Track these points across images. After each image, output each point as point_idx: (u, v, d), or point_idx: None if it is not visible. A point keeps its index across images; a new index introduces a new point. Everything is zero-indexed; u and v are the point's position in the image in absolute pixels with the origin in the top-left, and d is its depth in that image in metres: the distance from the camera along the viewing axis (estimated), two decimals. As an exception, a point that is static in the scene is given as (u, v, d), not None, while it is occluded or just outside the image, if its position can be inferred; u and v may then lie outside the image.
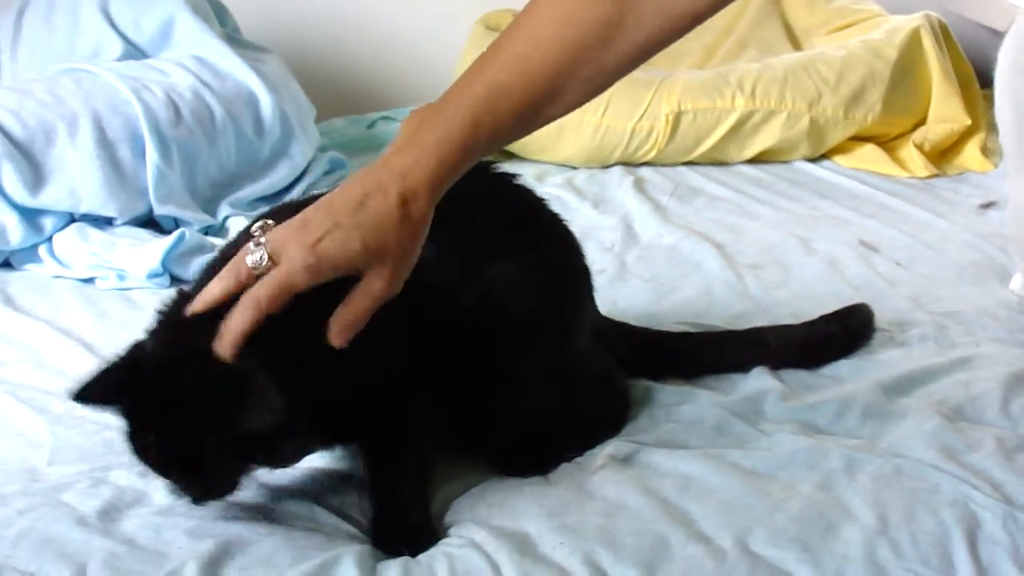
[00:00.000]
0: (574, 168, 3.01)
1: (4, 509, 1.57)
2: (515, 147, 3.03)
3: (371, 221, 1.42)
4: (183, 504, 1.54)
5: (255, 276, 1.43)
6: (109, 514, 1.56)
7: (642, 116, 2.96)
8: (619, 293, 2.23)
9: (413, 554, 1.51)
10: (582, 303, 1.80)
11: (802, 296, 2.22)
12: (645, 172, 2.95)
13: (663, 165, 2.99)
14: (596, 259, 2.38)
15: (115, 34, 2.82)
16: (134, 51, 2.83)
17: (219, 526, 1.55)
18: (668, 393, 1.83)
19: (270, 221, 1.48)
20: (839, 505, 1.55)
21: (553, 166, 3.03)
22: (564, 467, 1.67)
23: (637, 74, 2.95)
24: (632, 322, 2.03)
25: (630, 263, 2.41)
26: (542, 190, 2.74)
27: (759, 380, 1.85)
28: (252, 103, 2.74)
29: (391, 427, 1.59)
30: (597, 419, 1.75)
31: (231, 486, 1.50)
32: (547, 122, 1.53)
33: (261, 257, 1.43)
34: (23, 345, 2.07)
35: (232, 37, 2.96)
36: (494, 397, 1.67)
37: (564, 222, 1.85)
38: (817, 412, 1.77)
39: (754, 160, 3.02)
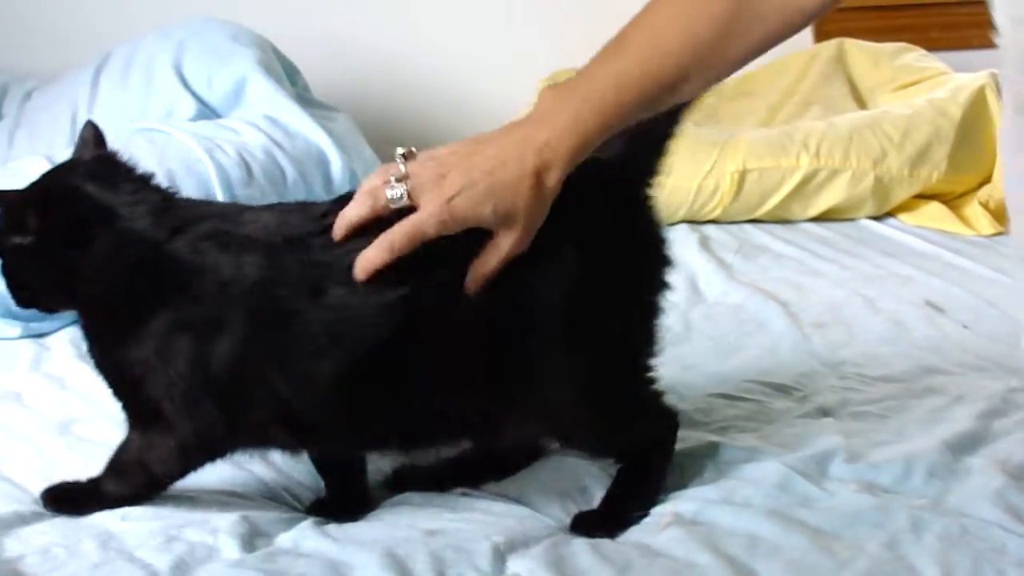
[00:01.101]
0: (640, 226, 3.03)
1: (78, 562, 1.59)
2: (581, 205, 3.05)
3: (504, 188, 1.54)
4: (255, 558, 1.57)
5: (390, 209, 1.56)
6: (181, 569, 1.58)
7: (707, 174, 2.99)
8: (684, 351, 2.23)
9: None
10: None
11: (868, 355, 2.21)
12: (710, 230, 2.97)
13: (728, 223, 3.02)
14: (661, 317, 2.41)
15: (188, 94, 2.88)
16: (207, 110, 2.88)
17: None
18: (732, 449, 1.82)
19: (414, 149, 1.60)
20: (905, 565, 1.55)
21: (619, 224, 3.05)
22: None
23: (703, 132, 3.00)
24: (699, 381, 2.04)
25: (695, 321, 2.42)
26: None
27: (824, 437, 1.85)
28: (322, 162, 2.79)
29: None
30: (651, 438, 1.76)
31: None
32: (672, 105, 1.66)
33: (400, 195, 1.56)
34: (96, 401, 2.09)
35: (302, 97, 3.01)
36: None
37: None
38: (882, 471, 1.76)
39: (819, 218, 3.04)
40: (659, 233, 1.76)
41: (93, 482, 1.72)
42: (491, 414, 1.67)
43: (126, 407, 1.71)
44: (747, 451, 1.81)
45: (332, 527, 1.67)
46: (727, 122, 3.44)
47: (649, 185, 1.77)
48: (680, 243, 2.80)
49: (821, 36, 3.76)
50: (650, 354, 1.75)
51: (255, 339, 1.60)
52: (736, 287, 2.58)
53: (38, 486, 1.76)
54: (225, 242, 1.63)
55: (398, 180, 1.56)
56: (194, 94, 2.88)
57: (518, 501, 1.74)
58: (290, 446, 1.74)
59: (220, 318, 1.61)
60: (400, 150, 1.59)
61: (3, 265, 1.71)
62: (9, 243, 1.68)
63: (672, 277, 2.55)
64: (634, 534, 1.64)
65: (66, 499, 1.71)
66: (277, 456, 1.83)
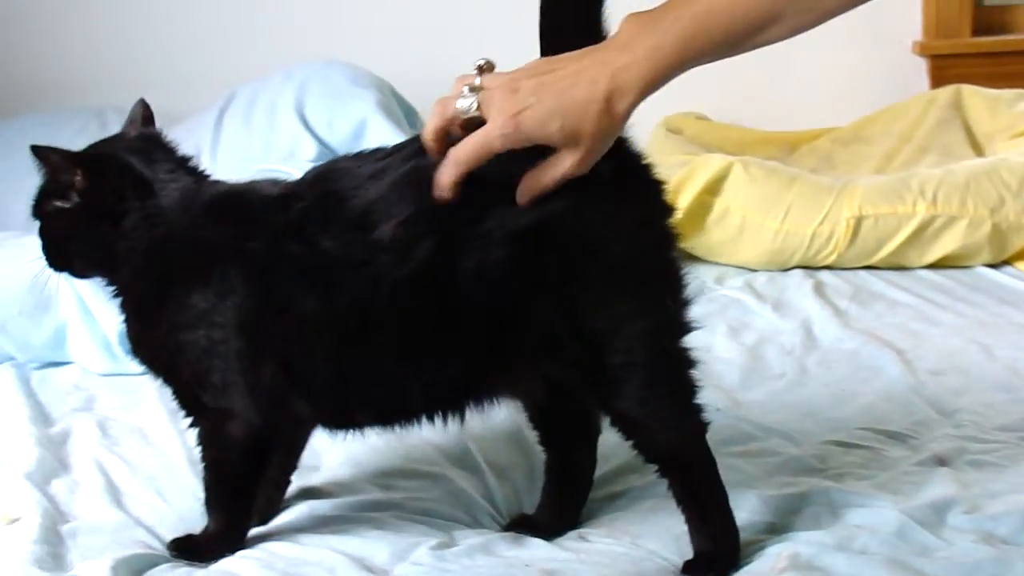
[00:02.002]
0: (753, 271, 3.04)
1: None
2: (695, 250, 3.07)
3: (573, 107, 1.52)
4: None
5: (459, 118, 1.57)
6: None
7: (823, 220, 2.98)
8: (800, 397, 2.24)
9: None
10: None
11: (984, 404, 2.20)
12: (825, 276, 2.97)
13: (843, 269, 3.01)
14: (776, 363, 2.42)
15: (310, 136, 2.93)
16: (327, 152, 2.93)
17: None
18: (848, 495, 1.82)
19: (492, 61, 1.60)
20: (1025, 616, 1.55)
21: (732, 268, 3.07)
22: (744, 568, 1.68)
23: (819, 179, 3.00)
24: (814, 427, 2.05)
25: (810, 367, 2.42)
26: (721, 292, 2.81)
27: (941, 486, 1.84)
28: (439, 202, 2.82)
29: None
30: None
31: None
32: (754, 48, 1.57)
33: (470, 105, 1.56)
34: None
35: (421, 139, 3.05)
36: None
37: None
38: (1000, 522, 1.75)
39: (935, 265, 3.03)
40: (659, 181, 1.69)
41: (208, 525, 1.76)
42: (527, 374, 1.68)
43: (178, 389, 1.74)
44: (863, 498, 1.80)
45: (453, 563, 1.68)
46: (843, 168, 3.44)
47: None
48: (795, 289, 2.84)
49: (938, 82, 3.76)
50: (687, 328, 1.70)
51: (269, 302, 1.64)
52: (851, 334, 2.58)
53: (163, 527, 1.82)
54: (247, 215, 1.69)
55: (471, 90, 1.57)
56: (315, 135, 2.94)
57: (634, 542, 1.75)
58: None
59: (238, 281, 1.65)
60: (479, 61, 1.60)
61: (41, 228, 1.75)
62: (50, 206, 1.72)
63: (787, 322, 2.60)
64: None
65: (192, 548, 1.74)
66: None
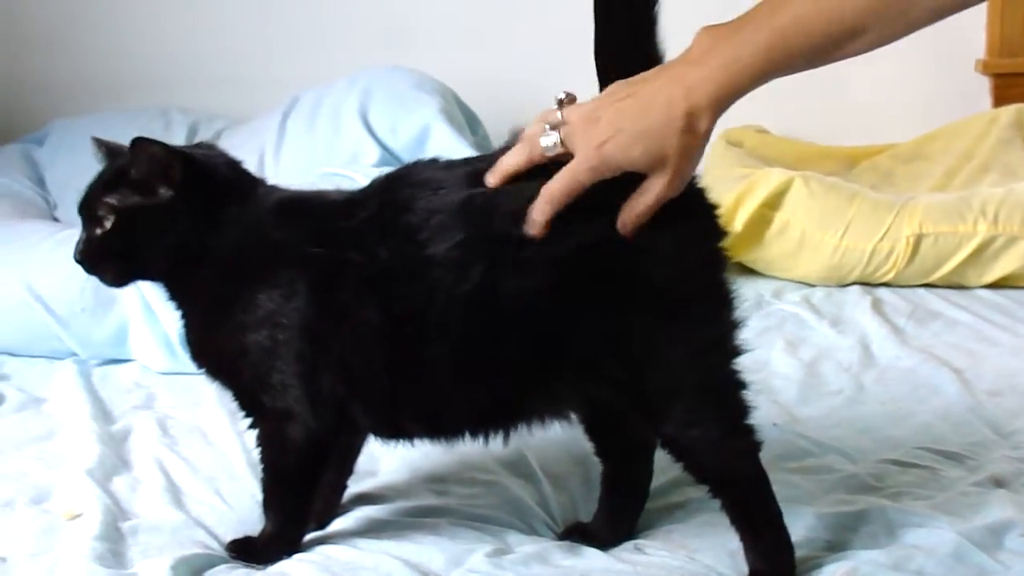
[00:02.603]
0: (811, 286, 3.03)
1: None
2: (753, 263, 3.08)
3: (654, 130, 1.53)
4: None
5: (545, 156, 1.58)
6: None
7: (883, 237, 2.98)
8: (857, 414, 2.24)
9: None
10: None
11: (1043, 425, 2.20)
12: (883, 293, 2.97)
13: (901, 286, 3.00)
14: (834, 379, 2.42)
15: (373, 140, 2.95)
16: (389, 157, 2.94)
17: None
18: (904, 514, 1.81)
19: (573, 94, 1.60)
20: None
21: (790, 283, 3.06)
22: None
23: (879, 195, 3.00)
24: (870, 445, 2.04)
25: (867, 384, 2.42)
26: (778, 307, 2.81)
27: (998, 508, 1.83)
28: (500, 211, 2.83)
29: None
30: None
31: None
32: (831, 62, 1.56)
33: (554, 143, 1.57)
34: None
35: (482, 146, 3.06)
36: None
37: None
38: (1058, 545, 1.75)
39: (994, 285, 3.01)
40: (710, 204, 1.68)
41: (264, 528, 1.77)
42: (586, 391, 1.68)
43: (238, 391, 1.75)
44: (920, 518, 1.80)
45: (509, 571, 1.69)
46: (902, 185, 3.43)
47: None
48: (853, 305, 2.84)
49: (1000, 101, 3.74)
50: (737, 351, 1.69)
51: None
52: (909, 352, 2.57)
53: (222, 528, 1.84)
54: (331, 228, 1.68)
55: (552, 128, 1.57)
56: (378, 140, 2.95)
57: (690, 556, 1.75)
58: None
59: (304, 284, 1.66)
60: (559, 95, 1.60)
61: (113, 225, 1.69)
62: (130, 201, 1.69)
63: (845, 339, 2.60)
64: (805, 592, 1.65)
65: (250, 550, 1.75)
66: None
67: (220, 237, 1.70)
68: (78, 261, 1.73)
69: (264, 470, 1.76)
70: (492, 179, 1.61)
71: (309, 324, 1.66)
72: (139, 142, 1.68)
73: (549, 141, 1.57)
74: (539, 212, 1.57)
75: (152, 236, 1.71)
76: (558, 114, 1.58)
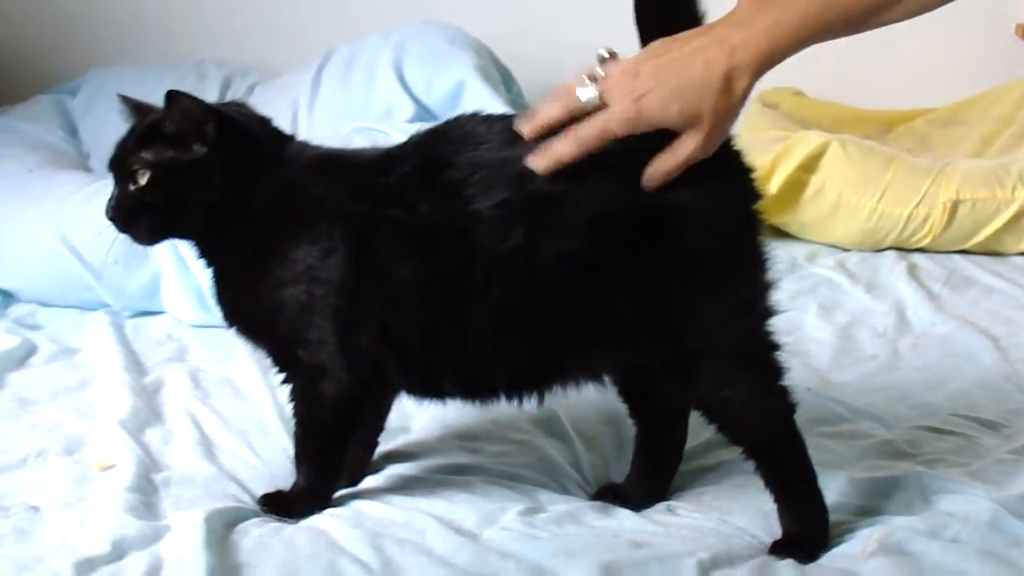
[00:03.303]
0: (846, 250, 3.02)
1: (292, 553, 1.64)
2: (787, 226, 3.06)
3: (693, 88, 1.52)
4: (463, 555, 1.62)
5: (583, 109, 1.57)
6: (390, 566, 1.62)
7: (919, 203, 2.95)
8: (891, 380, 2.23)
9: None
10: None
11: (1079, 393, 2.18)
12: (918, 258, 2.95)
13: (936, 252, 2.98)
14: (868, 344, 2.41)
15: (407, 96, 2.93)
16: (424, 113, 2.93)
17: None
18: (940, 480, 1.81)
19: (615, 50, 1.58)
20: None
21: (824, 247, 3.04)
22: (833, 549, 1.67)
23: (916, 160, 2.97)
24: (905, 411, 2.03)
25: (902, 351, 2.40)
26: (812, 270, 2.79)
27: (1037, 477, 1.83)
28: (534, 168, 2.82)
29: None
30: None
31: None
32: (871, 28, 1.57)
33: (592, 96, 1.56)
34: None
35: (516, 103, 3.05)
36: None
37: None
38: (1096, 515, 1.73)
39: (1030, 252, 2.99)
40: (746, 167, 1.67)
41: (296, 483, 1.77)
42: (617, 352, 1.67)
43: (273, 347, 1.75)
44: (955, 485, 1.79)
45: (542, 530, 1.69)
46: (939, 150, 3.40)
47: None
48: (887, 270, 2.82)
49: (1039, 67, 3.71)
50: (770, 313, 1.68)
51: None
52: (944, 318, 2.56)
53: (254, 481, 1.84)
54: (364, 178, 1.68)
55: (592, 80, 1.57)
56: (413, 96, 2.94)
57: (723, 518, 1.74)
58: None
59: (341, 240, 1.65)
60: (601, 51, 1.59)
61: (149, 180, 1.67)
62: (164, 155, 1.67)
63: (880, 304, 2.58)
64: (839, 560, 1.64)
65: (282, 504, 1.75)
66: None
67: (254, 194, 1.69)
68: (110, 219, 1.70)
69: (297, 425, 1.76)
70: (527, 129, 1.60)
71: (347, 280, 1.65)
72: (174, 96, 1.66)
73: (587, 94, 1.57)
74: (562, 152, 1.57)
75: (187, 192, 1.68)
76: (598, 69, 1.57)
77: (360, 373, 1.69)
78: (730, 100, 1.53)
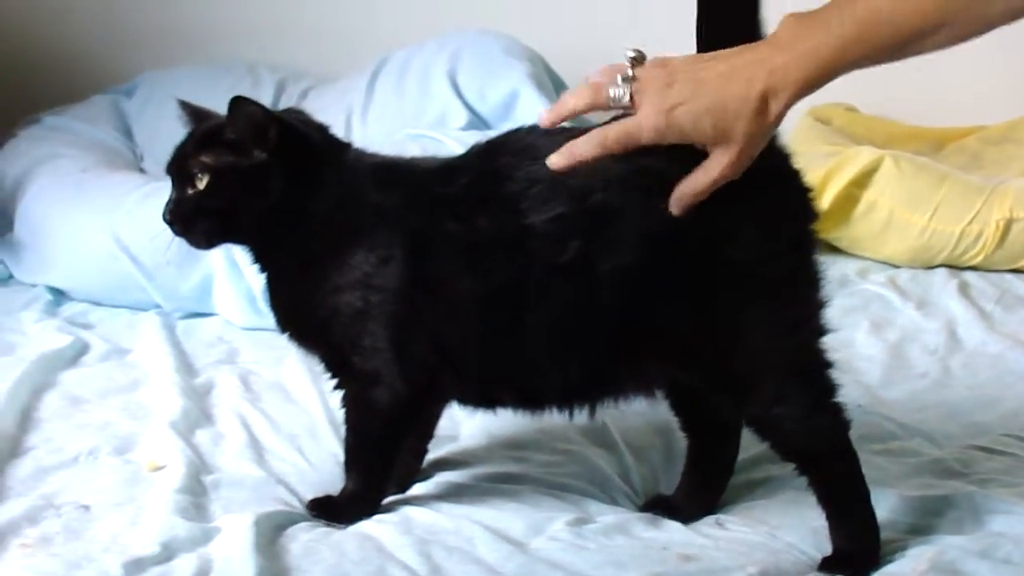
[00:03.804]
0: (896, 267, 3.00)
1: (340, 558, 1.64)
2: (838, 242, 3.05)
3: (727, 107, 1.50)
4: (511, 564, 1.62)
5: (609, 107, 1.55)
6: (439, 571, 1.62)
7: (972, 220, 2.94)
8: (943, 398, 2.21)
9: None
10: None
11: None
12: (970, 276, 2.93)
13: (988, 271, 2.96)
14: (919, 362, 2.40)
15: (461, 104, 2.94)
16: (477, 121, 2.93)
17: None
18: (992, 500, 1.79)
19: (644, 53, 1.56)
20: None
21: (875, 263, 3.03)
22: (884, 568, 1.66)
23: (970, 178, 2.96)
24: (956, 430, 2.02)
25: (954, 368, 2.39)
26: (863, 286, 2.78)
27: (1088, 501, 1.81)
28: (586, 178, 2.82)
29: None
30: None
31: None
32: (914, 55, 1.53)
33: (623, 95, 1.53)
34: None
35: (570, 114, 3.04)
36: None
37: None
38: None
39: (1084, 273, 2.97)
40: (803, 185, 1.66)
41: (345, 488, 1.78)
42: (658, 369, 1.67)
43: (327, 353, 1.75)
44: (1007, 505, 1.77)
45: (591, 541, 1.69)
46: (991, 168, 3.38)
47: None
48: (939, 288, 2.81)
49: (1092, 86, 3.68)
50: (822, 331, 1.68)
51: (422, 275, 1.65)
52: (996, 338, 2.54)
53: (303, 486, 1.84)
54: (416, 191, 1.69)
55: (624, 80, 1.54)
56: (466, 104, 2.94)
57: (772, 533, 1.74)
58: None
59: (398, 248, 1.66)
60: (630, 52, 1.56)
61: (208, 184, 1.68)
62: (223, 161, 1.68)
63: (931, 322, 2.57)
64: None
65: (330, 509, 1.76)
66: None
67: (312, 201, 1.70)
68: (168, 222, 1.71)
69: (348, 431, 1.76)
70: (548, 116, 1.60)
71: (403, 289, 1.66)
72: (239, 101, 1.67)
73: (619, 92, 1.53)
74: (583, 150, 1.55)
75: (246, 197, 1.69)
76: (630, 70, 1.54)
77: (413, 381, 1.70)
78: (764, 122, 1.51)
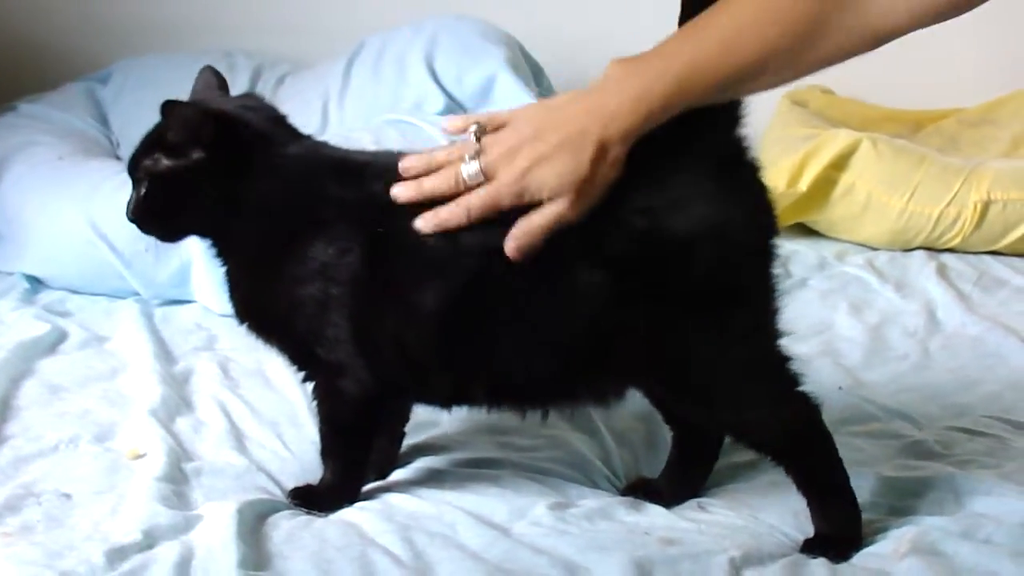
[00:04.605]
0: (874, 249, 3.01)
1: (323, 545, 1.64)
2: (816, 224, 3.06)
3: (571, 159, 1.58)
4: (493, 550, 1.62)
5: (468, 185, 1.61)
6: (421, 557, 1.62)
7: (950, 202, 2.95)
8: (923, 380, 2.22)
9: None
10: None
11: (1112, 396, 2.17)
12: (948, 259, 2.94)
13: (966, 252, 2.97)
14: (899, 344, 2.40)
15: (438, 89, 2.93)
16: (455, 106, 2.93)
17: None
18: (972, 481, 1.80)
19: (483, 123, 1.64)
20: None
21: (853, 245, 3.04)
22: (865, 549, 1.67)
23: (948, 160, 2.96)
24: (937, 412, 2.03)
25: (933, 351, 2.40)
26: (842, 269, 2.79)
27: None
28: (564, 162, 2.81)
29: None
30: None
31: None
32: (741, 96, 1.62)
33: (476, 172, 1.61)
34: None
35: (547, 97, 3.04)
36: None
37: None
38: None
39: (1062, 254, 2.98)
40: (761, 184, 1.68)
41: (324, 477, 1.77)
42: (601, 380, 1.68)
43: (291, 345, 1.75)
44: (988, 486, 1.78)
45: (573, 525, 1.69)
46: (968, 150, 3.39)
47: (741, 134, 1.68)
48: (917, 270, 2.81)
49: (1071, 67, 3.69)
50: (779, 329, 1.69)
51: (379, 265, 1.65)
52: (975, 319, 2.55)
53: (284, 474, 1.84)
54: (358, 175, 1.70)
55: (472, 157, 1.61)
56: (443, 89, 2.93)
57: (754, 516, 1.74)
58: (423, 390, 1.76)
59: (356, 243, 1.66)
60: (474, 128, 1.63)
61: (149, 187, 1.69)
62: (160, 165, 1.68)
63: (910, 303, 2.57)
64: (871, 559, 1.64)
65: (311, 498, 1.75)
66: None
67: (259, 193, 1.69)
68: (130, 220, 1.73)
69: (321, 422, 1.76)
70: (408, 193, 1.64)
71: (362, 282, 1.65)
72: (170, 105, 1.67)
73: (471, 170, 1.61)
74: (448, 218, 1.61)
75: (184, 198, 1.70)
76: (476, 143, 1.62)
77: (378, 375, 1.70)
78: (605, 167, 1.59)
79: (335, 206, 1.67)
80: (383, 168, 1.69)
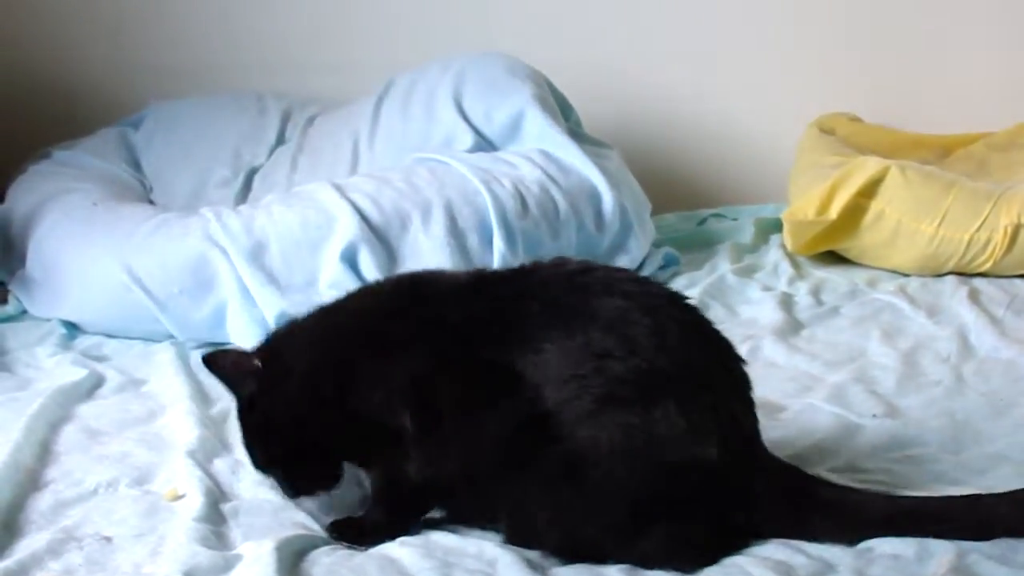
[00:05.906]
0: (906, 276, 3.01)
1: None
2: (847, 252, 3.07)
3: None
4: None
5: None
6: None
7: (980, 227, 2.94)
8: (956, 406, 2.21)
9: None
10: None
11: None
12: (979, 283, 2.93)
13: (998, 277, 2.96)
14: (932, 370, 2.40)
15: (467, 126, 2.94)
16: (484, 143, 2.94)
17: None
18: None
19: None
20: None
21: (884, 272, 3.04)
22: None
23: (977, 184, 2.95)
24: (971, 437, 2.03)
25: (967, 375, 2.39)
26: (874, 296, 2.78)
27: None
28: (594, 197, 2.83)
29: None
30: None
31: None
32: None
33: None
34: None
35: (575, 132, 3.05)
36: None
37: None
38: None
39: (1093, 277, 2.97)
40: None
41: (368, 514, 1.80)
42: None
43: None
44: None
45: (608, 565, 1.69)
46: (997, 174, 3.37)
47: None
48: (949, 295, 2.81)
49: (1098, 90, 3.68)
50: None
51: None
52: (1008, 343, 2.53)
53: (322, 510, 1.84)
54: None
55: None
56: (472, 126, 2.95)
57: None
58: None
59: None
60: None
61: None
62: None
63: (942, 329, 2.57)
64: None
65: (350, 532, 1.77)
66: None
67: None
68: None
69: (377, 479, 1.79)
70: None
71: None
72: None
73: None
74: None
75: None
76: None
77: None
78: None
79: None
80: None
